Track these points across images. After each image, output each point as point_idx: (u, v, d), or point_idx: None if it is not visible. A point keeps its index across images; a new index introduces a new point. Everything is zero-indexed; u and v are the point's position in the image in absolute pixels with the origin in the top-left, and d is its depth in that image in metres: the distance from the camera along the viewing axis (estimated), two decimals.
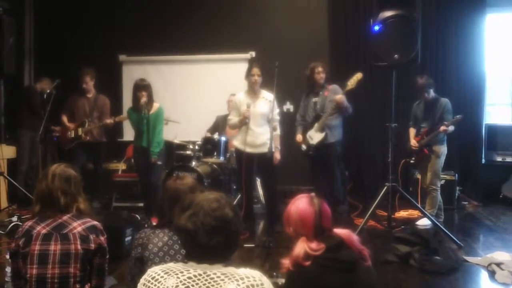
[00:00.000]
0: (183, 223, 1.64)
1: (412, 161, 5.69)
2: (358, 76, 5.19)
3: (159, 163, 5.40)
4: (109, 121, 6.03)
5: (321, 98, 5.56)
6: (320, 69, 5.57)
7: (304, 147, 5.65)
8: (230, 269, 1.63)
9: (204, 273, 1.61)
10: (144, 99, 5.17)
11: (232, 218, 1.66)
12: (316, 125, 5.52)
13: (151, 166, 5.35)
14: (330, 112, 5.42)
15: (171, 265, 1.69)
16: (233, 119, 5.20)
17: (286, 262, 2.15)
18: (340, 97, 5.29)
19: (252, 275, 1.63)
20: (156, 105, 5.40)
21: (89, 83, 6.16)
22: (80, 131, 6.09)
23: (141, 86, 5.25)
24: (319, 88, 5.62)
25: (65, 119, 6.22)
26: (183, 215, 1.66)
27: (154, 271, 1.67)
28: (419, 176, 5.97)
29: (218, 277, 1.59)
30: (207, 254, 1.64)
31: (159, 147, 5.38)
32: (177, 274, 1.61)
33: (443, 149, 5.48)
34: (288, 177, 6.29)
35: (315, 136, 5.52)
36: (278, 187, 5.44)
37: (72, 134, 6.13)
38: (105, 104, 6.28)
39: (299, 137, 5.71)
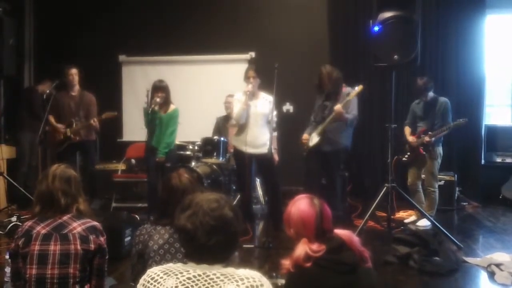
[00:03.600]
0: (183, 223, 1.65)
1: (404, 159, 5.66)
2: (358, 89, 4.97)
3: (168, 165, 5.37)
4: (93, 122, 5.86)
5: (332, 102, 5.24)
6: (324, 75, 5.23)
7: (305, 147, 5.46)
8: (230, 270, 1.63)
9: (204, 273, 1.61)
10: (157, 98, 5.18)
11: (232, 218, 1.66)
12: (318, 128, 5.30)
13: (161, 168, 5.34)
14: (329, 120, 5.16)
15: (170, 265, 1.69)
16: (236, 107, 5.11)
17: (286, 263, 2.14)
18: (338, 107, 5.00)
19: (252, 275, 1.63)
20: (172, 107, 5.40)
21: (75, 77, 6.04)
22: (68, 132, 5.97)
23: (158, 87, 5.27)
24: (329, 91, 5.29)
25: (52, 119, 6.06)
26: (183, 214, 1.66)
27: (153, 271, 1.67)
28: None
29: (218, 277, 1.59)
30: (206, 254, 1.64)
31: (168, 148, 5.35)
32: (176, 274, 1.61)
33: (439, 151, 5.49)
34: (288, 177, 6.29)
35: (314, 139, 5.34)
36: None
37: (61, 136, 6.01)
38: (92, 102, 6.12)
39: (304, 136, 5.46)
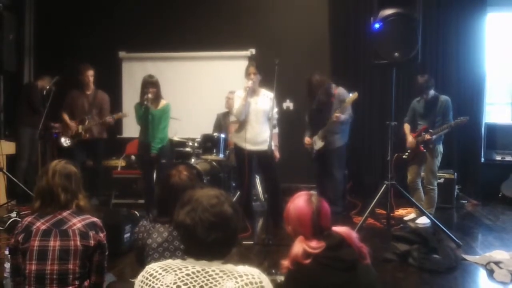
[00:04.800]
0: (182, 219, 1.65)
1: (404, 156, 5.67)
2: (354, 96, 5.17)
3: (163, 161, 5.37)
4: (109, 119, 6.06)
5: (327, 106, 5.51)
6: (314, 83, 5.49)
7: (310, 149, 5.73)
8: (229, 266, 1.64)
9: (203, 270, 1.61)
10: (149, 95, 5.17)
11: (231, 214, 1.66)
12: (319, 132, 5.56)
13: (154, 163, 5.34)
14: (328, 126, 5.45)
15: (169, 261, 1.69)
16: (236, 103, 5.14)
17: (285, 263, 2.14)
18: (336, 117, 5.27)
19: (251, 272, 1.63)
20: (163, 102, 5.39)
21: (91, 78, 6.19)
22: (80, 128, 6.09)
23: (149, 83, 5.27)
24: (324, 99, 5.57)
25: (66, 117, 6.22)
26: (182, 210, 1.66)
27: (152, 268, 1.67)
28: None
29: (217, 274, 1.59)
30: (205, 250, 1.64)
31: (162, 143, 5.35)
32: (175, 271, 1.61)
33: (440, 149, 5.49)
34: (288, 175, 6.29)
35: (317, 143, 5.59)
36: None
37: (72, 132, 6.13)
38: (104, 100, 6.29)
39: (307, 140, 5.75)
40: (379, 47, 4.86)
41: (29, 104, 6.59)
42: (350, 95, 5.27)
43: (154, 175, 5.48)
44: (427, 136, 5.37)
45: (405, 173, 5.83)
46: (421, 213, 5.35)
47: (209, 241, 1.61)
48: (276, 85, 4.93)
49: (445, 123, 5.35)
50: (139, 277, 1.68)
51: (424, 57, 5.83)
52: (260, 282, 1.61)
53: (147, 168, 5.45)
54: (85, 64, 6.23)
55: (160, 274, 1.62)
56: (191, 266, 1.62)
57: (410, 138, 5.58)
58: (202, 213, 1.62)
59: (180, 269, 1.62)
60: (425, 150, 5.45)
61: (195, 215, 1.62)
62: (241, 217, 1.75)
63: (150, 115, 5.23)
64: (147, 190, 5.55)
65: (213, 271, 1.60)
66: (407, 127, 5.71)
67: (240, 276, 1.59)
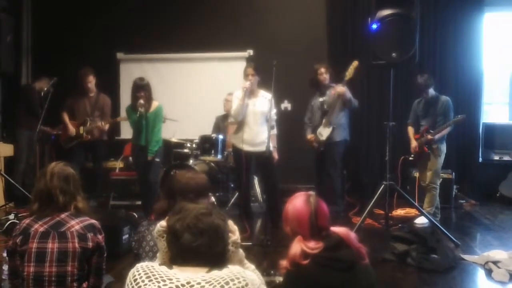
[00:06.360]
0: (171, 224, 1.69)
1: (411, 158, 5.70)
2: (354, 64, 5.32)
3: (157, 160, 5.39)
4: (101, 125, 6.03)
5: (328, 97, 5.71)
6: (322, 70, 5.80)
7: (315, 144, 5.79)
8: (214, 274, 1.63)
9: (188, 283, 1.59)
10: (141, 100, 5.16)
11: (220, 224, 1.71)
12: (324, 121, 5.64)
13: (150, 164, 5.34)
14: (335, 105, 5.60)
15: (155, 267, 1.68)
16: (235, 104, 5.14)
17: (284, 263, 2.14)
18: (341, 88, 5.47)
19: (235, 276, 1.63)
20: (155, 104, 5.38)
21: (93, 82, 6.16)
22: (81, 130, 6.08)
23: (140, 86, 5.24)
24: (324, 88, 5.80)
25: (66, 117, 6.18)
26: (173, 217, 1.71)
27: (138, 270, 1.68)
28: (417, 174, 5.97)
29: (203, 286, 1.59)
30: (191, 254, 1.66)
31: (158, 146, 5.37)
32: (159, 282, 1.61)
33: (443, 148, 5.49)
34: (287, 175, 6.29)
35: (323, 132, 5.65)
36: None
37: (73, 133, 6.11)
38: (106, 103, 6.28)
39: (310, 136, 5.81)
40: (376, 47, 4.88)
41: (27, 106, 6.58)
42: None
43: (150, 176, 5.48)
44: (429, 137, 5.38)
45: (410, 174, 5.87)
46: (420, 212, 5.35)
47: (195, 246, 1.64)
48: (274, 86, 4.93)
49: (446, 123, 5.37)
50: (130, 274, 1.70)
51: (422, 57, 5.84)
52: (246, 285, 1.63)
53: (143, 170, 5.45)
54: (85, 69, 6.16)
55: (143, 281, 1.63)
56: (176, 278, 1.61)
57: (414, 144, 5.58)
58: (190, 219, 1.67)
59: (164, 280, 1.61)
60: (429, 151, 5.46)
61: (183, 222, 1.67)
62: (229, 233, 1.84)
63: (144, 118, 5.21)
64: (144, 192, 5.55)
65: (199, 284, 1.59)
66: (411, 130, 5.71)
67: (227, 284, 1.60)
